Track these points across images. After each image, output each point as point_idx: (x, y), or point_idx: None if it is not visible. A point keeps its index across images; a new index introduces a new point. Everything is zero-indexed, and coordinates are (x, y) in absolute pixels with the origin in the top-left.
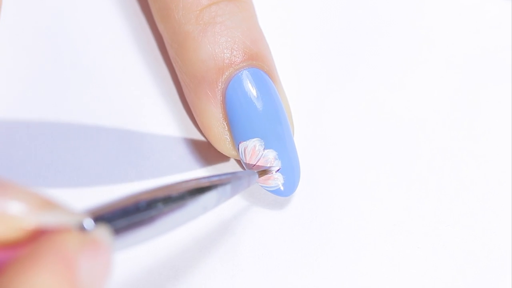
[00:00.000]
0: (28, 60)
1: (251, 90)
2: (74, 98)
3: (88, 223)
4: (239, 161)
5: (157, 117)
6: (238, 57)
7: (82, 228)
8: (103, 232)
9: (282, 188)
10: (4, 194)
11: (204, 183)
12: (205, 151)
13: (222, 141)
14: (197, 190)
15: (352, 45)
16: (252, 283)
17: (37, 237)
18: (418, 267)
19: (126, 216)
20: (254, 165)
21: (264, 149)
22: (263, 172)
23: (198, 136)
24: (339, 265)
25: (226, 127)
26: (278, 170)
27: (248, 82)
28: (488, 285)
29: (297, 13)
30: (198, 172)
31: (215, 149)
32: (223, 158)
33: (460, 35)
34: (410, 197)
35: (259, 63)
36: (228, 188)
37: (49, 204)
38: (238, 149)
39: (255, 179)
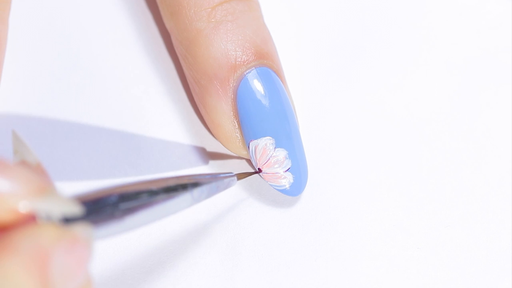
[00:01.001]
0: (29, 59)
1: (262, 88)
2: (74, 98)
3: (74, 215)
4: (248, 160)
5: (157, 117)
6: (250, 56)
7: (65, 220)
8: (84, 228)
9: (288, 187)
10: (1, 173)
11: (182, 181)
12: (206, 152)
13: (232, 139)
14: (174, 188)
15: (353, 45)
16: (252, 283)
17: (23, 222)
18: (418, 268)
19: (108, 205)
20: (264, 164)
21: (274, 148)
22: (243, 174)
23: (198, 137)
24: (339, 265)
25: (237, 125)
26: (288, 169)
27: (259, 80)
28: (488, 286)
29: (298, 14)
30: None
31: (216, 149)
32: (224, 158)
33: (461, 36)
34: (410, 198)
35: (269, 62)
36: (205, 188)
37: (44, 190)
38: (249, 147)
39: (234, 182)
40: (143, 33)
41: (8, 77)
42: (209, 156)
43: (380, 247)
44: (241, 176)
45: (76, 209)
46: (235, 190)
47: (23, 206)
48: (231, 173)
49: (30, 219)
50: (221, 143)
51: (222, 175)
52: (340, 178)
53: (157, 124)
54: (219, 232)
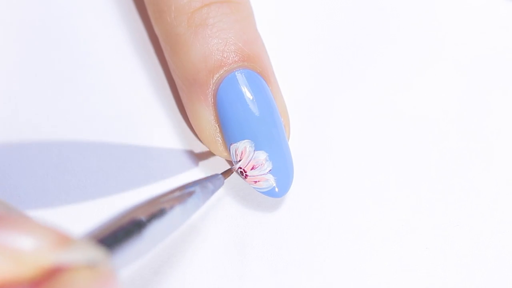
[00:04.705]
0: (26, 61)
1: (242, 91)
2: (76, 99)
3: (100, 256)
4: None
5: (159, 118)
6: (229, 59)
7: (93, 262)
8: (110, 263)
9: (269, 189)
10: (20, 230)
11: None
12: (195, 153)
13: (214, 143)
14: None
15: (354, 46)
16: (261, 283)
17: (52, 274)
18: (427, 268)
19: (125, 235)
20: (246, 165)
21: (254, 150)
22: (227, 172)
23: (188, 140)
24: (348, 265)
25: (218, 129)
26: (269, 171)
27: (239, 83)
28: (497, 286)
29: (299, 14)
30: (199, 174)
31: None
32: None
33: (468, 36)
34: (419, 198)
35: (251, 64)
36: (190, 201)
37: (66, 241)
38: (230, 150)
39: (220, 183)
40: (143, 36)
41: (9, 79)
42: (198, 157)
43: (389, 247)
44: (226, 174)
45: (100, 253)
46: (244, 190)
47: (50, 261)
48: (218, 174)
49: (57, 270)
50: (206, 146)
51: (210, 179)
52: (349, 179)
53: (158, 125)
54: (227, 232)
